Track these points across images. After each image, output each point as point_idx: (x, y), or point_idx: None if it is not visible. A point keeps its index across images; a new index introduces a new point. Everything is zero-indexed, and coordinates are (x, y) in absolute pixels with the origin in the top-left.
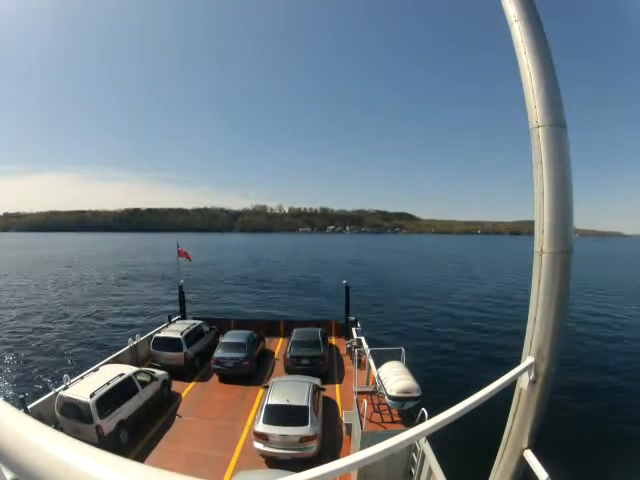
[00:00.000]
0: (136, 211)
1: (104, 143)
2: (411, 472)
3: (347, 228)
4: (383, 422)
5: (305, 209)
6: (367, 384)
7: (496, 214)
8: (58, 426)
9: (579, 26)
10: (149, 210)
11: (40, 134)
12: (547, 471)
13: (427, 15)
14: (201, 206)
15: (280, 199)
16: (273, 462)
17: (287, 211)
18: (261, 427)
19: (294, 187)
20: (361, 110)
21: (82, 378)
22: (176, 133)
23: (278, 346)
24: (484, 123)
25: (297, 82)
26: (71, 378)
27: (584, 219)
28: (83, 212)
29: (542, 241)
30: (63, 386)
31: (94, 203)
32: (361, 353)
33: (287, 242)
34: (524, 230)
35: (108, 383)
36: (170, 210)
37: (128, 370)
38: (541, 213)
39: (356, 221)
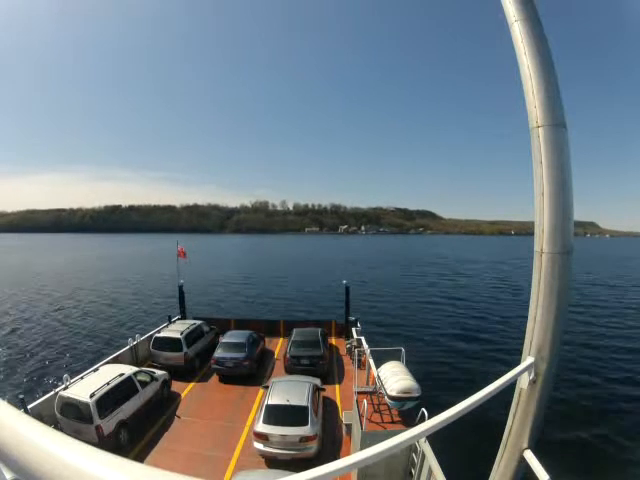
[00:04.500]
0: (116, 209)
1: (103, 141)
2: (411, 472)
3: (362, 228)
4: (383, 422)
5: (313, 205)
6: (367, 384)
7: (522, 214)
8: (58, 426)
9: (579, 25)
10: (131, 207)
11: (42, 133)
12: (547, 471)
13: (431, 14)
14: (191, 203)
15: (286, 197)
16: (273, 462)
17: (292, 208)
18: (261, 427)
19: (302, 187)
20: (376, 110)
21: (82, 378)
22: (181, 132)
23: (278, 346)
24: (489, 124)
25: (308, 80)
26: (71, 378)
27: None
28: (60, 211)
29: (542, 241)
30: (63, 386)
31: (85, 203)
32: (361, 353)
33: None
34: None
35: (108, 383)
36: (155, 207)
37: (128, 370)
38: (541, 213)
39: (373, 220)
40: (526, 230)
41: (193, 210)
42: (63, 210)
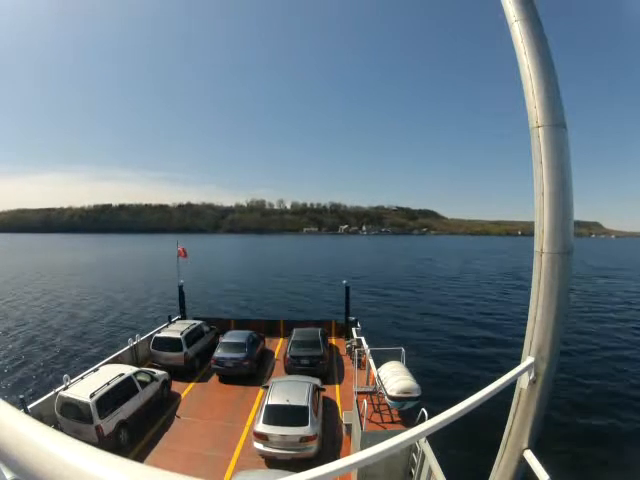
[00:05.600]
0: (106, 208)
1: (103, 140)
2: (411, 472)
3: (364, 228)
4: (383, 422)
5: (312, 204)
6: (367, 384)
7: (526, 214)
8: (58, 426)
9: (579, 25)
10: (121, 207)
11: (42, 133)
12: (547, 471)
13: (431, 14)
14: (184, 202)
15: (286, 197)
16: (273, 462)
17: (289, 207)
18: (261, 427)
19: (302, 186)
20: (374, 110)
21: (82, 378)
22: (181, 132)
23: (278, 346)
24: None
25: (308, 80)
26: (71, 378)
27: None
28: (50, 210)
29: (542, 241)
30: (63, 386)
31: (78, 202)
32: (361, 353)
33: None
34: None
35: (108, 383)
36: (147, 206)
37: (128, 370)
38: (541, 213)
39: (374, 219)
40: (532, 230)
41: (187, 209)
42: (53, 209)
